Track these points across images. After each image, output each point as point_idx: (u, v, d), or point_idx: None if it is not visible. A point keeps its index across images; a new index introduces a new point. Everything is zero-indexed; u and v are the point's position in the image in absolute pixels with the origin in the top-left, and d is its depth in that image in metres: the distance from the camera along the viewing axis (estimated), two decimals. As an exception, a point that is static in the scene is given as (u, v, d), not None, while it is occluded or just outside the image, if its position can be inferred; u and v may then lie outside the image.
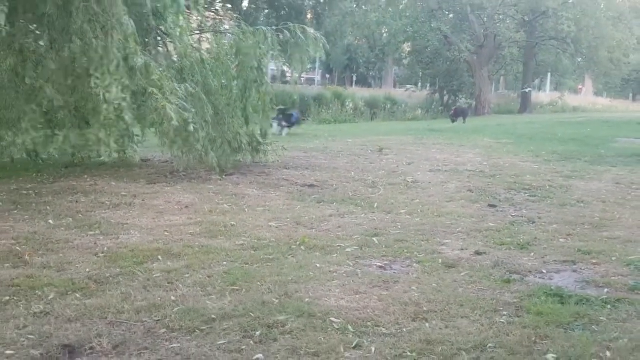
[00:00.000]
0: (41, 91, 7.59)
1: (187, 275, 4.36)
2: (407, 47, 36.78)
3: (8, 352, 3.04)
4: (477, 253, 5.12)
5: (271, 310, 3.70)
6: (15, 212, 6.18)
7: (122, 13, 6.32)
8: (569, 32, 30.75)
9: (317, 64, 37.42)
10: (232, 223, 6.02)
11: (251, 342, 3.30)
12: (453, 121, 22.16)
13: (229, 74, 8.71)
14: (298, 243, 5.31)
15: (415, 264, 4.81)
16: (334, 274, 4.51)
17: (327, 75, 45.63)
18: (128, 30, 6.29)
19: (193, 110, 7.16)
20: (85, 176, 8.43)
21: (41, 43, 7.89)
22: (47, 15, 6.94)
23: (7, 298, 3.73)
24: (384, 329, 3.52)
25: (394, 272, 4.63)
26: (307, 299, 3.92)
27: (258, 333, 3.39)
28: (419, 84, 40.94)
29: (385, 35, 33.78)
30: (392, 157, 11.50)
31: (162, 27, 7.95)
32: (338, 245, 5.29)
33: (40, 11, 6.99)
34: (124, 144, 8.22)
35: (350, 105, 28.73)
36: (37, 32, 7.86)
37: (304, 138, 15.32)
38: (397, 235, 5.72)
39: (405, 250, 5.16)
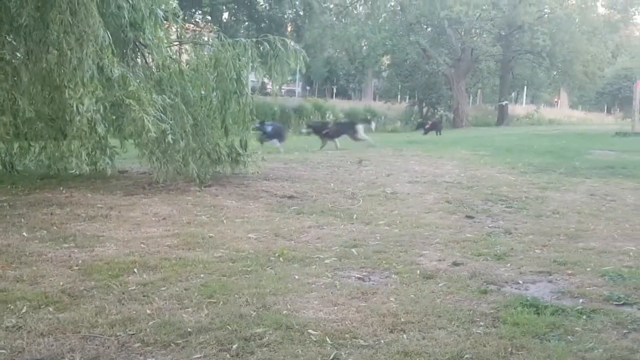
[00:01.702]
0: (15, 102, 7.49)
1: (163, 288, 4.30)
2: (386, 59, 37.16)
3: (-23, 368, 2.96)
4: (455, 264, 5.14)
5: (248, 323, 3.66)
6: (-11, 224, 6.06)
7: (98, 24, 6.26)
8: (544, 46, 31.32)
9: (298, 76, 37.52)
10: (210, 235, 5.97)
11: (227, 355, 3.26)
12: (425, 133, 23.78)
13: (208, 85, 8.67)
14: (277, 254, 5.27)
15: (393, 275, 4.80)
16: (313, 285, 4.48)
17: (308, 87, 45.79)
18: (104, 41, 6.24)
19: (172, 121, 7.11)
20: (61, 188, 8.28)
21: (17, 54, 7.78)
22: (23, 26, 6.86)
23: (-23, 313, 3.63)
24: (361, 341, 3.50)
25: (373, 284, 4.62)
26: (285, 311, 3.89)
27: (235, 346, 3.35)
28: (398, 96, 41.29)
29: (364, 48, 34.06)
30: (371, 169, 11.52)
31: (140, 39, 7.89)
32: (317, 257, 5.27)
33: (16, 22, 6.91)
34: (96, 156, 8.12)
35: (331, 116, 28.85)
36: (14, 43, 7.76)
37: (284, 149, 15.31)
38: (376, 246, 5.72)
39: (384, 261, 5.15)
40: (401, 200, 8.29)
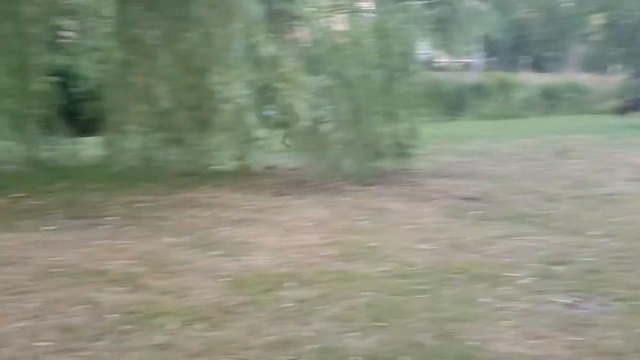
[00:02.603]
0: (152, 90, 8.19)
1: (322, 307, 4.48)
2: (597, 19, 34.97)
3: (128, 388, 3.33)
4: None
5: (426, 354, 3.70)
6: (131, 227, 6.71)
7: (248, -4, 6.64)
8: None
9: (478, 45, 36.68)
10: (374, 244, 6.10)
11: (403, 392, 3.33)
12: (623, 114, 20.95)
13: (369, 62, 8.81)
14: (457, 271, 5.26)
15: (615, 302, 4.58)
16: (505, 311, 4.41)
17: (490, 59, 44.57)
18: (255, 15, 6.58)
19: (327, 107, 7.34)
20: (204, 187, 8.94)
21: (155, 34, 8.47)
22: (163, 1, 7.48)
23: (125, 327, 4.06)
24: (574, 386, 3.38)
25: (587, 312, 4.44)
26: (470, 342, 3.87)
27: (411, 381, 3.41)
28: (611, 67, 38.70)
29: (568, 6, 32.33)
30: (577, 162, 11.05)
31: (292, 11, 8.24)
32: (508, 275, 5.17)
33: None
34: (245, 150, 8.62)
35: (520, 95, 27.82)
36: (151, 21, 8.45)
37: (459, 139, 15.11)
38: (588, 263, 5.48)
39: (601, 284, 4.94)
40: (622, 204, 7.90)
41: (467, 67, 39.10)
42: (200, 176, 9.68)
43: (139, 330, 4.01)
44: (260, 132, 9.45)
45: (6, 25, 7.61)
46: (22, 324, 4.08)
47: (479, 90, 28.47)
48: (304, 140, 8.06)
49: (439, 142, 12.96)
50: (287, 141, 8.55)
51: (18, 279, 4.95)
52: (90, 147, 10.77)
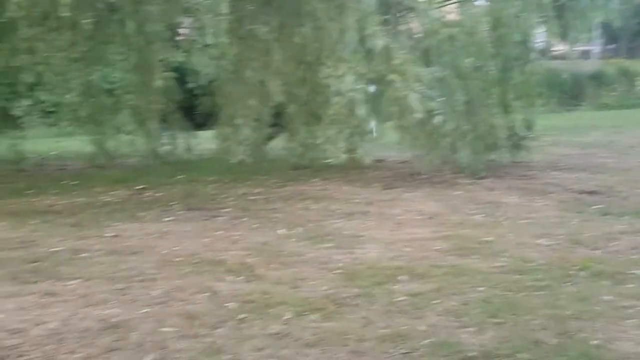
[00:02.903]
0: (264, 85, 8.39)
1: (436, 301, 4.45)
2: None
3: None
4: None
5: (547, 353, 3.61)
6: (245, 219, 6.95)
7: (361, -12, 6.68)
8: None
9: (597, 32, 35.21)
10: (488, 239, 6.02)
11: (521, 390, 3.27)
12: None
13: (484, 52, 8.67)
14: (577, 267, 5.10)
15: None
16: (630, 310, 4.24)
17: (610, 46, 42.62)
18: (368, 8, 6.62)
19: (440, 98, 7.29)
20: (315, 179, 9.11)
21: (269, 29, 8.67)
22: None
23: (243, 315, 4.20)
24: None
25: None
26: (594, 341, 3.74)
27: (530, 380, 3.34)
28: None
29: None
30: None
31: (405, 1, 8.23)
32: (634, 273, 4.98)
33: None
34: (354, 143, 8.69)
35: (641, 83, 26.48)
36: (265, 17, 8.66)
37: (577, 130, 14.61)
38: None
39: None
40: None
41: (585, 55, 37.57)
42: (310, 169, 9.86)
43: (256, 319, 4.14)
44: (371, 125, 9.52)
45: (130, 25, 8.01)
46: (148, 309, 4.31)
47: (598, 79, 27.29)
48: (415, 133, 8.01)
49: (556, 133, 12.60)
50: (398, 133, 8.53)
51: (143, 267, 5.23)
52: (205, 141, 11.19)
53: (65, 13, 6.91)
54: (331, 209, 7.37)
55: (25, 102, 12.45)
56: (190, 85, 12.72)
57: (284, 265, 5.31)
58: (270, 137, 10.76)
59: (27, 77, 8.96)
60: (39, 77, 9.10)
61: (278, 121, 10.33)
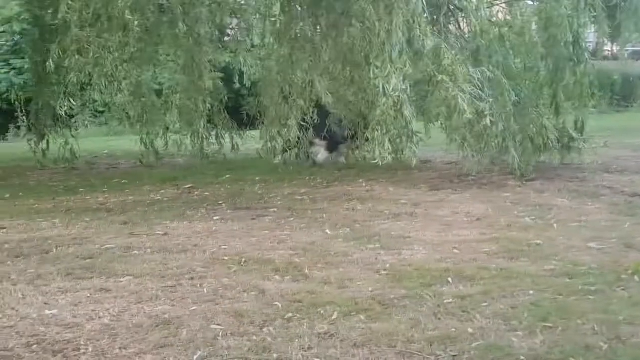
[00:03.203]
0: (312, 85, 8.44)
1: (484, 304, 4.42)
2: None
3: (295, 374, 3.48)
4: None
5: (599, 357, 3.56)
6: (291, 219, 7.00)
7: (410, -12, 6.67)
8: None
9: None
10: (538, 242, 5.95)
11: (573, 396, 3.23)
12: None
13: (535, 52, 8.60)
14: (630, 272, 5.00)
15: None
16: (684, 316, 4.15)
17: (664, 46, 41.64)
18: (417, 8, 6.61)
19: (490, 99, 7.23)
20: (360, 180, 9.14)
21: (318, 30, 8.73)
22: (324, -3, 7.71)
23: (290, 315, 4.23)
24: None
25: None
26: (647, 348, 3.68)
27: (582, 385, 3.30)
28: None
29: None
30: None
31: (455, 1, 8.21)
32: (690, 279, 4.86)
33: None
34: (401, 144, 8.69)
35: None
36: (314, 18, 8.71)
37: (629, 132, 14.32)
38: None
39: None
40: None
41: (637, 55, 36.74)
42: (356, 169, 9.88)
43: (303, 319, 4.17)
44: (418, 126, 9.51)
45: (179, 26, 8.15)
46: (198, 307, 4.38)
47: (649, 80, 26.68)
48: (464, 134, 7.97)
49: (608, 135, 12.34)
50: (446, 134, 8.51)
51: (192, 265, 5.32)
52: (251, 141, 11.29)
53: (117, 14, 7.05)
54: (377, 210, 7.38)
55: (77, 102, 12.78)
56: (237, 86, 12.88)
57: (331, 266, 5.33)
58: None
59: (78, 77, 9.17)
60: (90, 77, 9.29)
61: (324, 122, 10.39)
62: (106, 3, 7.22)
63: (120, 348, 3.75)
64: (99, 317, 4.21)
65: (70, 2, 7.87)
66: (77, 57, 8.72)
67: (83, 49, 8.66)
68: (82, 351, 3.71)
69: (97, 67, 9.01)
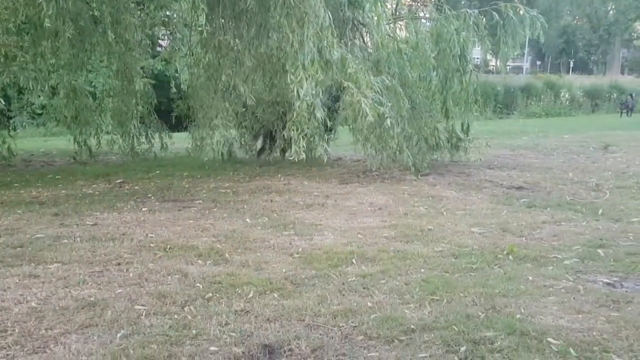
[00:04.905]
0: (235, 89, 8.31)
1: (382, 281, 4.48)
2: (639, 25, 33.62)
3: (212, 348, 3.39)
4: None
5: (477, 325, 3.65)
6: (215, 210, 6.88)
7: (319, 4, 6.66)
8: None
9: (527, 50, 35.82)
10: (430, 227, 6.07)
11: (455, 357, 3.29)
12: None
13: (427, 64, 8.79)
14: (505, 252, 5.17)
15: (653, 283, 4.41)
16: (550, 288, 4.31)
17: (538, 62, 43.47)
18: (324, 22, 6.61)
19: (389, 104, 7.32)
20: (279, 175, 9.09)
21: (239, 41, 8.62)
22: (246, 10, 7.59)
23: (210, 294, 4.16)
24: (614, 356, 3.28)
25: (626, 291, 4.29)
26: (518, 315, 3.80)
27: (463, 349, 3.37)
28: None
29: (611, 12, 31.23)
30: (620, 156, 10.66)
31: (359, 17, 8.26)
32: (554, 257, 5.07)
33: (239, 7, 7.67)
34: (314, 143, 8.70)
35: (566, 96, 27.08)
36: (236, 29, 8.59)
37: (508, 134, 14.85)
38: (629, 247, 5.31)
39: (640, 266, 4.76)
40: (662, 194, 7.53)
41: (518, 70, 38.19)
42: (275, 166, 9.82)
43: (222, 298, 4.10)
44: (329, 127, 9.54)
45: (111, 34, 7.85)
46: (123, 290, 4.23)
47: (528, 91, 27.82)
48: (367, 135, 8.06)
49: (491, 137, 12.76)
50: (353, 135, 8.59)
51: (119, 252, 5.14)
52: (180, 141, 11.06)
53: (47, 24, 6.72)
54: (293, 201, 7.35)
55: (16, 104, 12.18)
56: (167, 90, 12.56)
57: (250, 250, 5.27)
58: (237, 138, 10.72)
59: (5, 82, 8.73)
60: (25, 81, 8.81)
61: (246, 123, 10.30)
62: (38, 12, 6.84)
63: (46, 329, 3.58)
64: (27, 301, 4.00)
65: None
66: (3, 60, 8.29)
67: (8, 54, 8.21)
68: (9, 332, 3.52)
69: (26, 71, 8.56)
